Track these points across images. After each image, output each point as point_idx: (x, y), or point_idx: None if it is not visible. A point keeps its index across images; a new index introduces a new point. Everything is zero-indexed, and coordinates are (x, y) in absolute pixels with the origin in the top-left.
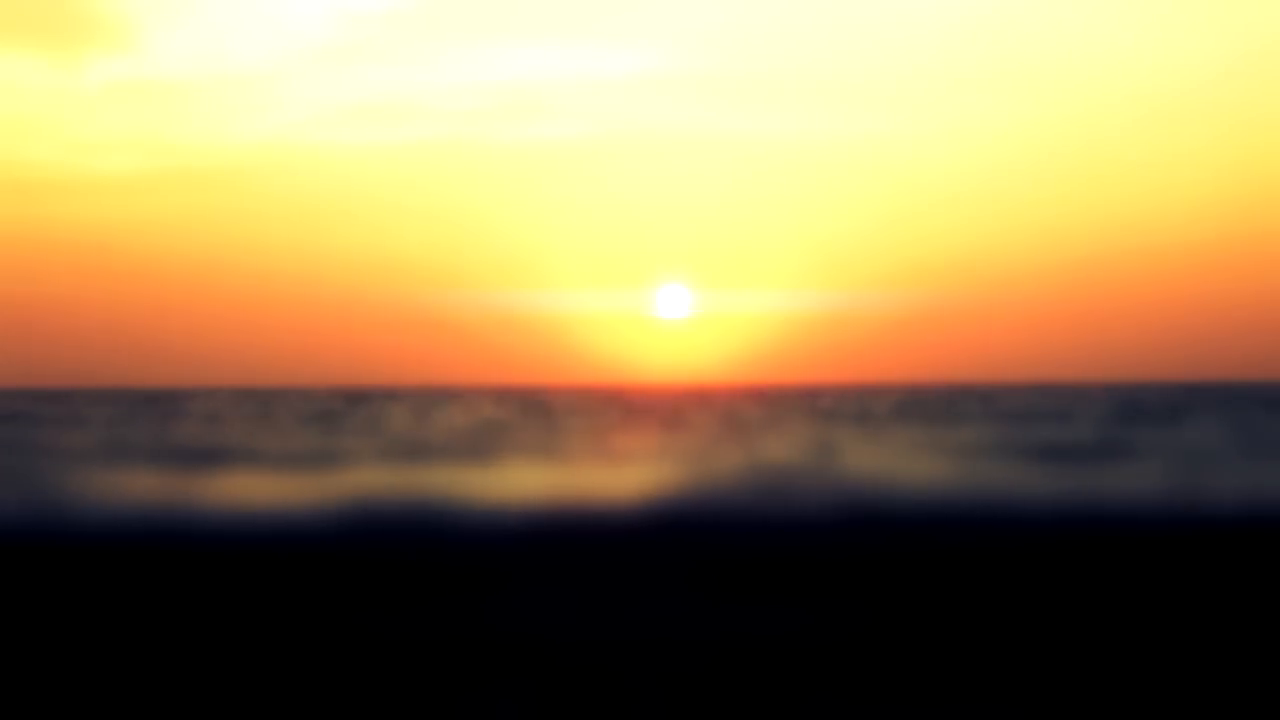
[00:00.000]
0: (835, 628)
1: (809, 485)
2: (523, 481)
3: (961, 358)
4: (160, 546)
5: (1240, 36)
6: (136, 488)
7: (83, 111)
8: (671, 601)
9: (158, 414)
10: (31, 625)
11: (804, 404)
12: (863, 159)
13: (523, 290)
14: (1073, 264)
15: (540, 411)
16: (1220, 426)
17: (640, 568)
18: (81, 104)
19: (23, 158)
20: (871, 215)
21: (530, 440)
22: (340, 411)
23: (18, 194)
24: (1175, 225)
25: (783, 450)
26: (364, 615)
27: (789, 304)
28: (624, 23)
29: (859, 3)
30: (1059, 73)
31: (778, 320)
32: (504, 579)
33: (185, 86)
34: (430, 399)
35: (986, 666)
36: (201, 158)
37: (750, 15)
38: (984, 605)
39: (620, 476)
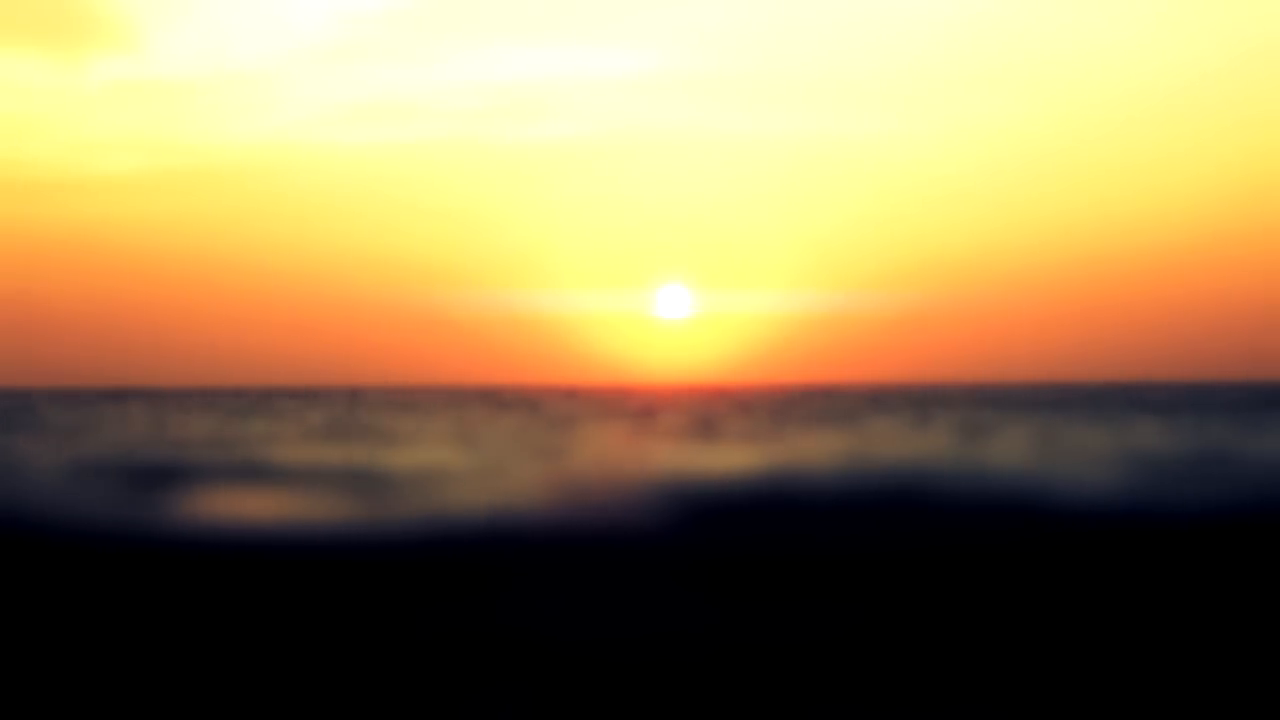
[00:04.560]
0: (835, 627)
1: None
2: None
3: (961, 358)
4: (163, 552)
5: (1238, 35)
6: (125, 496)
7: (83, 111)
8: (668, 601)
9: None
10: (60, 628)
11: (784, 405)
12: (862, 159)
13: (523, 290)
14: (1073, 264)
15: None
16: (1228, 426)
17: (638, 567)
18: (82, 103)
19: (23, 157)
20: (871, 215)
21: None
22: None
23: (18, 194)
24: (1175, 224)
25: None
26: (370, 616)
27: (789, 304)
28: (624, 23)
29: (859, 3)
30: (1059, 73)
31: (778, 320)
32: (506, 579)
33: (186, 86)
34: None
35: (985, 668)
36: (202, 157)
37: (750, 15)
38: (982, 605)
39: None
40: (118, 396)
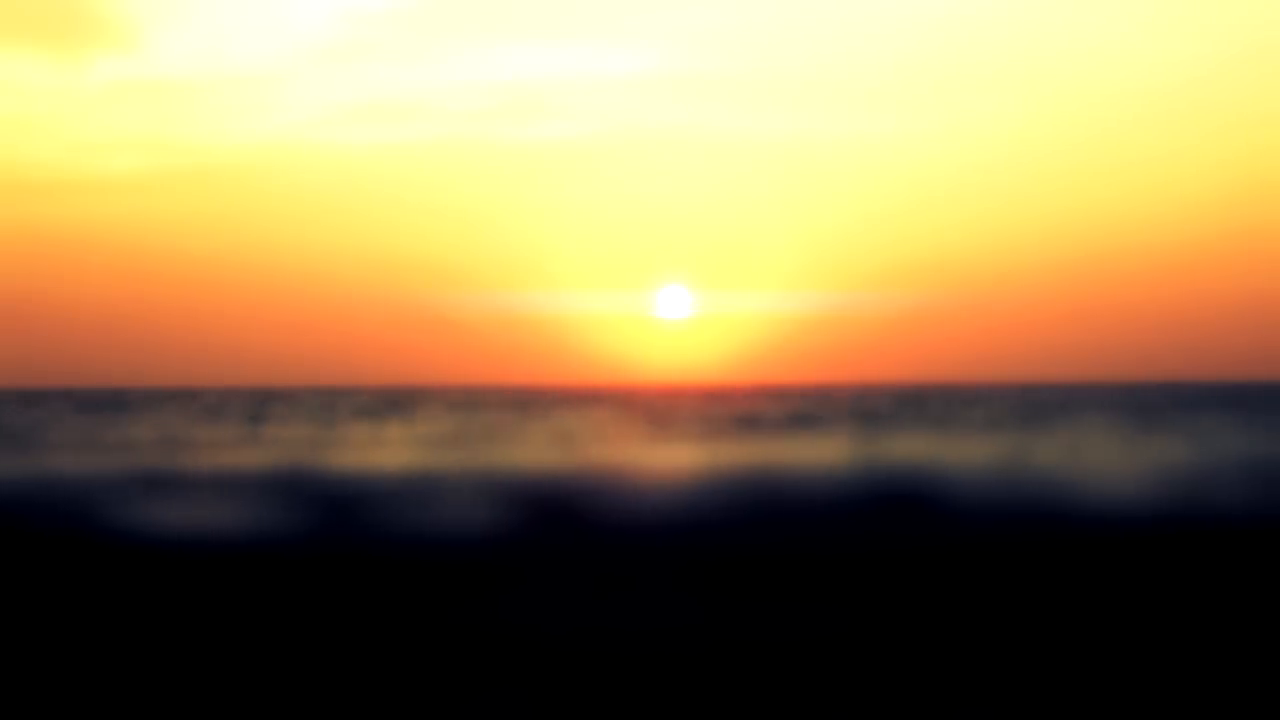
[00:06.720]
0: (836, 627)
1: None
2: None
3: (961, 358)
4: (160, 553)
5: (1237, 35)
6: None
7: (85, 111)
8: (667, 600)
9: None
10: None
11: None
12: (862, 159)
13: (523, 290)
14: (1071, 263)
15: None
16: (1229, 427)
17: (637, 566)
18: (83, 103)
19: (24, 158)
20: (871, 215)
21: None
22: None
23: (18, 194)
24: (1174, 224)
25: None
26: (370, 615)
27: (789, 304)
28: (624, 23)
29: (859, 3)
30: (1058, 73)
31: (778, 320)
32: (506, 579)
33: (188, 86)
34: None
35: (983, 669)
36: (204, 157)
37: (750, 15)
38: (981, 606)
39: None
40: (118, 397)
